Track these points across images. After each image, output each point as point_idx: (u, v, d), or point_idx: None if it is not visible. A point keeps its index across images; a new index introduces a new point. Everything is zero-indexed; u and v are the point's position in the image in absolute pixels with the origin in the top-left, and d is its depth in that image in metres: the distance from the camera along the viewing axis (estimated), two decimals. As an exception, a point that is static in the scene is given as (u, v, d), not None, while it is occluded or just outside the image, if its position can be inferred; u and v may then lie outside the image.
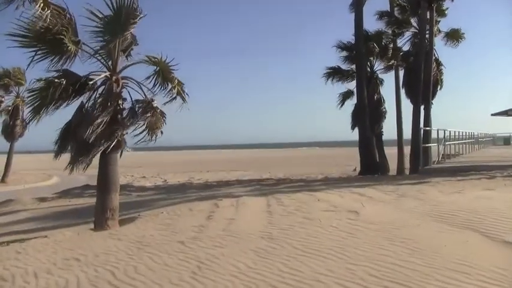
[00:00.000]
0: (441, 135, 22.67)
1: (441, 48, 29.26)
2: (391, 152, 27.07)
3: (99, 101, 9.41)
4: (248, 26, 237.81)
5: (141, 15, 9.34)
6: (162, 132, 9.99)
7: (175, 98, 9.96)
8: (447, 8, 27.38)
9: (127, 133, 9.62)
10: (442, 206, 8.32)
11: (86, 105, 9.52)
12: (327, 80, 26.41)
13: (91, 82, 9.52)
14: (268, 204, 10.03)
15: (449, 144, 24.20)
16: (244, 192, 13.69)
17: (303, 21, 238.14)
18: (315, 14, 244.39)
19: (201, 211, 9.66)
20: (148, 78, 9.89)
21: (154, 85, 9.81)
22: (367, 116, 23.03)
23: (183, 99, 10.10)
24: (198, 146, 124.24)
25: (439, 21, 27.96)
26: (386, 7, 27.73)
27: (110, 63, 9.89)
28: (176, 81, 9.91)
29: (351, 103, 25.87)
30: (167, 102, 9.93)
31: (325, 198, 10.54)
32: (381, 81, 26.89)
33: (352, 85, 25.55)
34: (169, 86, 9.87)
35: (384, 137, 26.77)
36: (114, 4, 9.15)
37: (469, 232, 6.44)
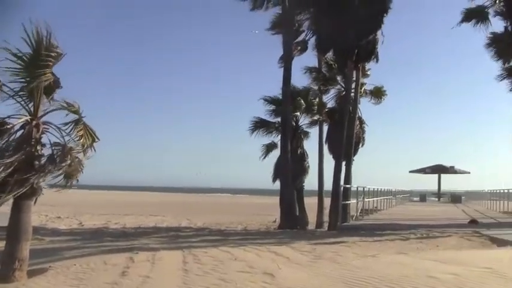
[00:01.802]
0: (360, 191, 23.18)
1: (367, 107, 30.20)
2: (312, 202, 27.43)
3: (13, 144, 9.11)
4: (181, 74, 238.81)
5: (62, 54, 9.16)
6: (78, 180, 9.78)
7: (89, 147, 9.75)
8: (369, 69, 28.36)
9: (43, 181, 9.34)
10: (357, 272, 8.44)
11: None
12: (253, 132, 26.62)
13: (8, 126, 9.24)
14: (184, 261, 9.91)
15: (368, 200, 24.72)
16: (162, 244, 13.50)
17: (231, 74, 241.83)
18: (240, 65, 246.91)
19: (115, 265, 9.45)
20: (67, 124, 9.67)
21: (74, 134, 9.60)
22: (289, 170, 23.32)
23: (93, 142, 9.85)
24: (119, 187, 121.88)
25: (365, 83, 28.93)
26: (314, 63, 28.43)
27: (31, 106, 9.62)
28: (91, 139, 9.71)
29: (275, 154, 26.14)
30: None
31: (242, 256, 10.52)
32: (307, 134, 27.37)
33: (277, 138, 25.90)
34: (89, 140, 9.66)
35: (307, 187, 27.15)
36: (32, 40, 8.91)
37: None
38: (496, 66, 27.66)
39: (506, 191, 27.17)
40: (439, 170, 52.02)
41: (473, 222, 19.84)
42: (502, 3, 26.06)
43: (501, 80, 27.72)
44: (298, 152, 26.22)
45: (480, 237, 14.37)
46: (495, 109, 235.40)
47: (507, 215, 25.33)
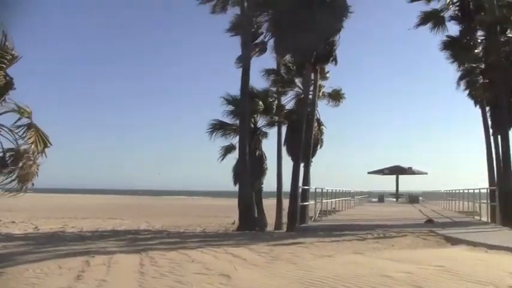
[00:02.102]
0: (319, 192, 23.37)
1: (326, 108, 30.56)
2: (271, 204, 27.53)
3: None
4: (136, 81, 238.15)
5: (18, 56, 9.08)
6: (33, 184, 9.68)
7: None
8: (328, 72, 28.59)
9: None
10: (313, 272, 8.52)
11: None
12: (211, 134, 26.62)
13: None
14: (141, 264, 9.86)
15: (327, 201, 24.91)
16: (119, 247, 13.38)
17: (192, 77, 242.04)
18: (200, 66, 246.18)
19: (70, 269, 9.33)
20: (19, 127, 9.58)
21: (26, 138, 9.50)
22: (248, 172, 23.39)
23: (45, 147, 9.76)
24: (78, 190, 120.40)
25: (324, 86, 29.18)
26: (273, 65, 28.55)
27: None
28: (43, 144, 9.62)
29: (235, 156, 26.19)
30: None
31: (200, 258, 10.51)
32: (265, 136, 27.48)
33: (235, 139, 25.93)
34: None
35: (266, 188, 27.28)
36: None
37: (334, 301, 6.64)
38: (452, 69, 28.26)
39: (462, 191, 27.72)
40: (397, 171, 52.78)
41: (429, 221, 20.18)
42: (457, 8, 26.67)
43: (459, 81, 28.38)
44: (257, 153, 26.37)
45: (435, 236, 14.65)
46: (452, 111, 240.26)
47: (462, 215, 25.88)
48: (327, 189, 24.99)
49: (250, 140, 25.17)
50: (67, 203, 56.66)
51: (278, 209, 27.70)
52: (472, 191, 24.27)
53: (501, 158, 26.17)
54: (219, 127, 26.75)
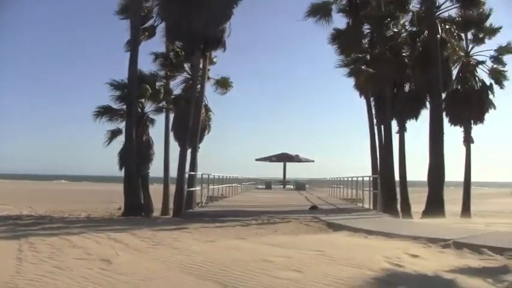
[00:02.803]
0: (206, 178, 23.45)
1: (214, 94, 30.67)
2: (158, 189, 27.36)
3: None
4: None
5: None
6: None
7: None
8: (215, 57, 28.73)
9: None
10: (194, 257, 8.60)
11: None
12: (97, 117, 26.12)
13: None
14: (19, 250, 9.57)
15: (214, 187, 25.05)
16: (-4, 233, 12.91)
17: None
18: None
19: None
20: None
21: None
22: (134, 157, 23.13)
23: None
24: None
25: (209, 70, 29.26)
26: (163, 48, 28.33)
27: None
28: None
29: (120, 140, 25.84)
30: None
31: (81, 243, 10.34)
32: (153, 121, 27.27)
33: (122, 124, 25.57)
34: None
35: (153, 174, 27.13)
36: None
37: (212, 284, 6.74)
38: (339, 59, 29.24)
39: (346, 179, 28.61)
40: (284, 158, 53.83)
41: (313, 208, 20.69)
42: (345, 1, 27.59)
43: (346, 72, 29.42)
44: (144, 138, 26.13)
45: (318, 222, 15.02)
46: (341, 101, 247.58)
47: (346, 202, 26.74)
48: (214, 175, 25.13)
49: (138, 125, 24.90)
50: None
51: (165, 195, 27.64)
52: (356, 179, 25.10)
53: (383, 148, 27.46)
54: (105, 111, 26.29)
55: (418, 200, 27.90)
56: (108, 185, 65.13)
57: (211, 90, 30.25)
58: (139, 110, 26.46)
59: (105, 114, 26.28)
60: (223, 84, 30.15)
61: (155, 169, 27.89)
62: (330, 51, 29.25)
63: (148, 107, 27.60)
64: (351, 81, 29.82)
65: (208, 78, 29.09)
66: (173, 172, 27.00)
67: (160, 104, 27.91)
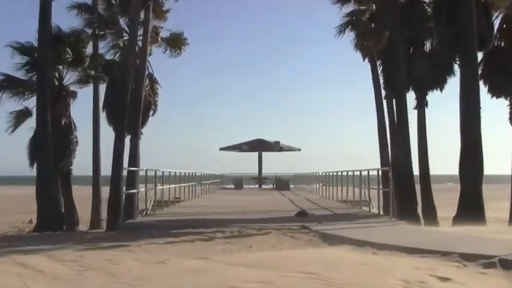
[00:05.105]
0: (152, 176, 23.27)
1: (162, 61, 30.41)
2: (85, 193, 27.20)
3: None
4: None
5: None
6: None
7: None
8: (169, 10, 28.48)
9: None
10: (136, 286, 8.51)
11: None
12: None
13: None
14: None
15: (163, 188, 24.91)
16: None
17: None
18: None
19: None
20: None
21: None
22: (50, 148, 22.87)
23: None
24: None
25: (161, 28, 29.09)
26: (88, -1, 28.04)
27: None
28: None
29: (30, 126, 25.55)
30: None
31: (-27, 272, 10.19)
32: (76, 97, 27.05)
33: (32, 102, 25.23)
34: None
35: (77, 172, 26.91)
36: None
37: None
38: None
39: (346, 173, 28.38)
40: (259, 146, 53.16)
41: (301, 214, 20.68)
42: None
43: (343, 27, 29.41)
44: (63, 122, 25.88)
45: (308, 233, 15.06)
46: (336, 66, 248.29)
47: (346, 205, 26.76)
48: (164, 172, 24.93)
49: (54, 102, 24.63)
50: None
51: (95, 200, 27.49)
52: (359, 173, 25.05)
53: (396, 130, 27.46)
54: (6, 84, 25.89)
55: (446, 201, 28.08)
56: (16, 188, 64.69)
57: (161, 55, 30.08)
58: (56, 82, 26.15)
59: (7, 88, 25.86)
60: (175, 42, 29.94)
61: (81, 165, 27.66)
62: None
63: (69, 77, 27.31)
64: (351, 38, 29.78)
65: (157, 39, 28.92)
66: (106, 169, 26.79)
67: (87, 73, 27.52)
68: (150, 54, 27.22)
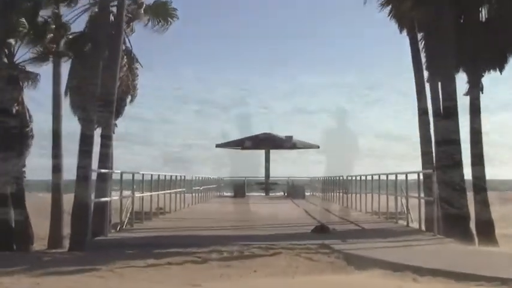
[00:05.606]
0: (129, 180, 23.20)
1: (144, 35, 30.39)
2: (43, 203, 27.21)
3: None
4: None
5: None
6: None
7: None
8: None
9: None
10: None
11: None
12: None
13: None
14: None
15: (143, 195, 24.86)
16: None
17: None
18: None
19: None
20: None
21: None
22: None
23: None
24: None
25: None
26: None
27: None
28: None
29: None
30: None
31: None
32: (31, 78, 27.07)
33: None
34: None
35: (31, 176, 26.92)
36: None
37: None
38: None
39: (376, 177, 28.16)
40: (266, 142, 52.97)
41: (320, 230, 20.62)
42: None
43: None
44: (15, 110, 25.85)
45: (330, 254, 15.00)
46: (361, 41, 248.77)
47: (378, 217, 26.73)
48: (144, 175, 24.83)
49: (5, 85, 24.66)
50: None
51: (54, 211, 27.47)
52: (394, 176, 24.93)
53: (441, 119, 27.29)
54: None
55: (507, 214, 27.93)
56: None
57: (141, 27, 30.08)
58: (6, 60, 26.15)
59: None
60: (159, 12, 29.83)
61: (37, 167, 27.68)
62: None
63: (24, 53, 27.28)
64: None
65: (139, 7, 28.94)
66: (70, 172, 26.74)
67: (48, 49, 27.45)
68: (128, 28, 27.18)
